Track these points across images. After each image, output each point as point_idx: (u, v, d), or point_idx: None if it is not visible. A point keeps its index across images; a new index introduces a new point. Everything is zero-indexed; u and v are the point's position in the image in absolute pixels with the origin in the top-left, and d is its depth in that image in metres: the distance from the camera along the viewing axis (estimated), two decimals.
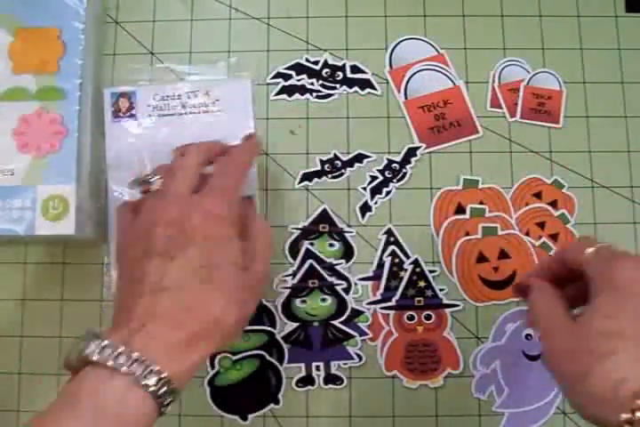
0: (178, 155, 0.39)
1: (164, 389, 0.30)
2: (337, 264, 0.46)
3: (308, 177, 0.47)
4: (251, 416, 0.45)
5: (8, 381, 0.45)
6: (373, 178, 0.47)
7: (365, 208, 0.47)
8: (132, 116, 0.46)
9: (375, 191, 0.47)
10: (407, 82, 0.49)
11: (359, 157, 0.48)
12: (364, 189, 0.47)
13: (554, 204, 0.47)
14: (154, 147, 0.45)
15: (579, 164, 0.48)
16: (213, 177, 0.37)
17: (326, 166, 0.47)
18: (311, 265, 0.46)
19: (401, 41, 0.49)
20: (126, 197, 0.45)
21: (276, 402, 0.45)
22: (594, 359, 0.29)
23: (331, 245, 0.46)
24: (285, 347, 0.45)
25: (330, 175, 0.47)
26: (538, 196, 0.48)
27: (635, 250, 0.47)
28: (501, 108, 0.49)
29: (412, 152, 0.48)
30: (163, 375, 0.29)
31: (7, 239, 0.44)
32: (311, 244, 0.46)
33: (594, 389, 0.29)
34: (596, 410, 0.29)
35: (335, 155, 0.48)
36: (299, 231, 0.46)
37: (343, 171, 0.47)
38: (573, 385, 0.30)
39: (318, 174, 0.47)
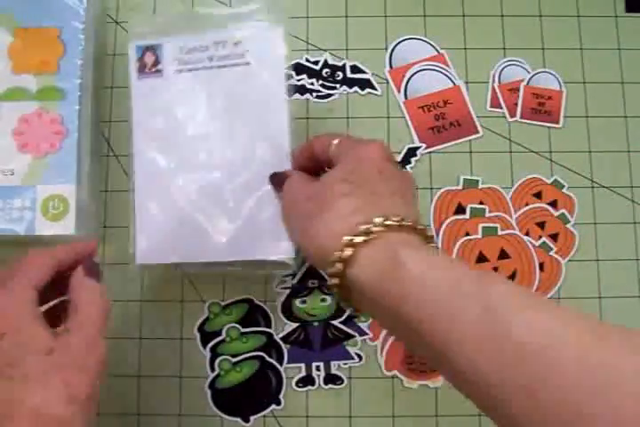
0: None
1: None
2: None
3: None
4: (252, 418, 0.45)
5: None
6: None
7: None
8: (158, 71, 0.42)
9: None
10: (407, 82, 0.49)
11: None
12: None
13: (554, 204, 0.47)
14: (183, 105, 0.42)
15: (579, 164, 0.48)
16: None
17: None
18: (311, 265, 0.46)
19: (401, 41, 0.49)
20: (152, 159, 0.42)
21: (278, 403, 0.45)
22: (332, 199, 0.32)
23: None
24: (284, 347, 0.45)
25: None
26: (538, 196, 0.48)
27: (635, 250, 0.47)
28: (501, 108, 0.49)
29: (411, 152, 0.48)
30: None
31: (7, 239, 0.44)
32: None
33: (322, 223, 0.32)
34: (323, 242, 0.31)
35: None
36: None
37: None
38: (308, 224, 0.33)
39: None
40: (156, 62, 0.42)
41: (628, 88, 0.49)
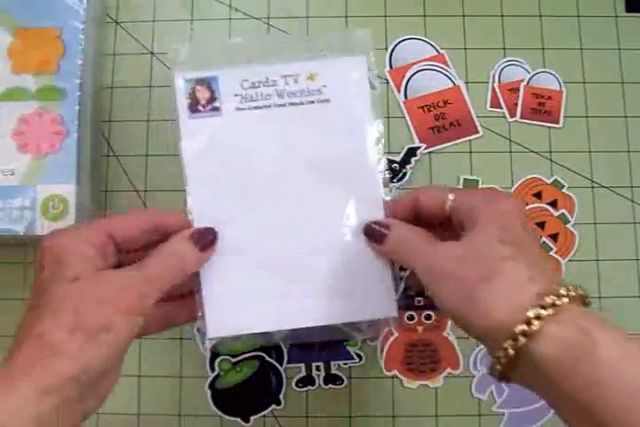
0: None
1: None
2: None
3: None
4: (252, 418, 0.45)
5: None
6: None
7: None
8: (216, 109, 0.36)
9: None
10: (407, 82, 0.49)
11: None
12: None
13: (554, 204, 0.47)
14: (247, 150, 0.36)
15: (579, 164, 0.48)
16: None
17: None
18: None
19: (401, 41, 0.49)
20: (214, 212, 0.35)
21: (278, 403, 0.45)
22: (496, 263, 0.29)
23: None
24: (284, 347, 0.45)
25: None
26: (538, 196, 0.48)
27: (635, 250, 0.47)
28: (501, 108, 0.49)
29: (411, 152, 0.48)
30: None
31: (7, 239, 0.44)
32: None
33: (495, 292, 0.28)
34: (499, 313, 0.28)
35: None
36: None
37: None
38: (469, 290, 0.29)
39: None
40: (212, 98, 0.36)
41: (628, 88, 0.49)
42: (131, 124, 0.48)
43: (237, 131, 0.36)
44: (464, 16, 0.50)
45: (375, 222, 0.35)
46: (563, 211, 0.47)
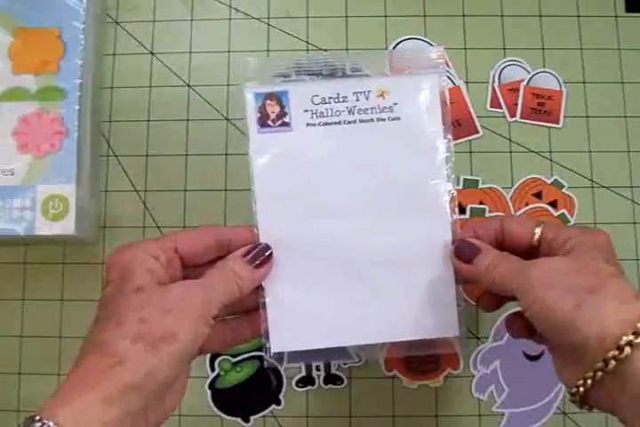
0: None
1: None
2: None
3: None
4: (252, 418, 0.45)
5: (8, 381, 0.45)
6: None
7: None
8: (285, 124, 0.36)
9: None
10: None
11: None
12: None
13: (554, 204, 0.47)
14: (317, 168, 0.36)
15: (579, 164, 0.48)
16: None
17: None
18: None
19: (401, 41, 0.49)
20: (274, 233, 0.35)
21: (278, 403, 0.45)
22: (602, 278, 0.30)
23: None
24: None
25: None
26: (538, 196, 0.48)
27: (635, 250, 0.47)
28: (501, 108, 0.49)
29: None
30: None
31: (7, 239, 0.44)
32: None
33: (604, 302, 0.29)
34: (607, 324, 0.28)
35: None
36: None
37: None
38: (578, 298, 0.29)
39: None
40: (282, 113, 0.36)
41: (628, 88, 0.49)
42: (131, 124, 0.48)
43: (306, 146, 0.36)
44: (464, 16, 0.50)
45: (467, 242, 0.35)
46: (563, 211, 0.47)
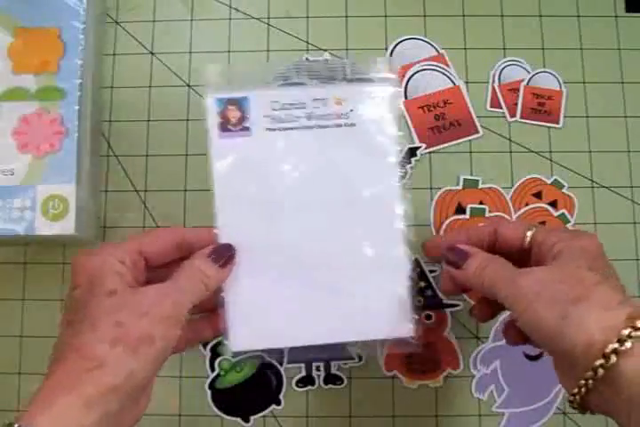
0: None
1: None
2: None
3: None
4: (252, 418, 0.45)
5: (8, 381, 0.45)
6: None
7: None
8: (246, 129, 0.37)
9: None
10: (407, 82, 0.49)
11: None
12: None
13: (554, 204, 0.47)
14: (275, 171, 0.37)
15: (579, 164, 0.48)
16: None
17: None
18: None
19: (401, 41, 0.49)
20: (240, 229, 0.36)
21: (278, 403, 0.45)
22: (586, 286, 0.30)
23: None
24: (285, 347, 0.45)
25: None
26: (538, 196, 0.48)
27: (635, 250, 0.47)
28: (501, 108, 0.49)
29: (412, 152, 0.48)
30: None
31: (7, 239, 0.44)
32: None
33: (588, 311, 0.29)
34: (589, 333, 0.29)
35: None
36: None
37: None
38: (564, 309, 0.30)
39: None
40: (243, 118, 0.37)
41: (628, 88, 0.49)
42: (131, 124, 0.48)
43: (266, 151, 0.37)
44: (464, 16, 0.50)
45: (453, 248, 0.36)
46: (563, 211, 0.47)
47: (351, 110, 0.37)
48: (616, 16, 0.50)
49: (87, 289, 0.32)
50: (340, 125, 0.37)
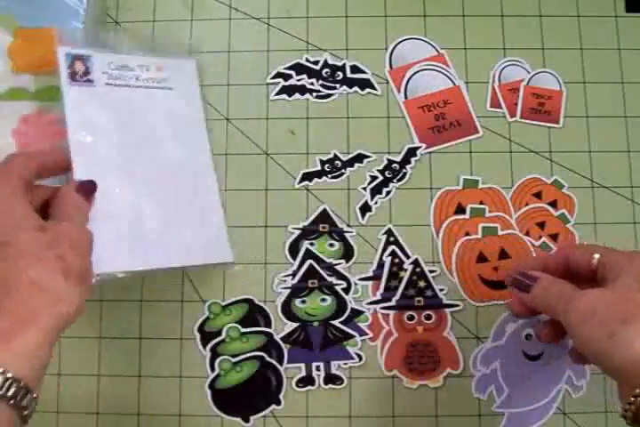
0: None
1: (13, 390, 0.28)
2: (337, 264, 0.46)
3: (307, 177, 0.47)
4: (252, 418, 0.45)
5: None
6: (373, 178, 0.47)
7: (365, 208, 0.47)
8: (90, 81, 0.44)
9: (375, 191, 0.47)
10: (407, 82, 0.49)
11: (359, 157, 0.48)
12: (364, 189, 0.47)
13: (554, 204, 0.47)
14: (112, 116, 0.44)
15: (579, 164, 0.48)
16: None
17: (326, 166, 0.47)
18: (311, 265, 0.46)
19: (401, 41, 0.49)
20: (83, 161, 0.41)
21: (278, 403, 0.45)
22: (635, 308, 0.32)
23: (331, 245, 0.46)
24: (284, 347, 0.45)
25: (330, 175, 0.47)
26: (538, 196, 0.48)
27: (635, 250, 0.47)
28: (501, 108, 0.49)
29: (412, 152, 0.48)
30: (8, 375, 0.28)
31: None
32: (311, 244, 0.46)
33: (635, 331, 0.31)
34: (635, 351, 0.30)
35: (335, 155, 0.48)
36: (299, 231, 0.46)
37: (343, 171, 0.47)
38: (615, 329, 0.31)
39: (318, 174, 0.47)
40: (87, 72, 0.44)
41: (628, 88, 0.49)
42: None
43: (105, 100, 0.44)
44: (464, 16, 0.50)
45: (523, 274, 0.39)
46: (563, 211, 0.47)
47: (169, 76, 0.46)
48: (616, 16, 0.50)
49: (9, 221, 0.32)
50: (161, 88, 0.46)
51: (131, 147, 0.43)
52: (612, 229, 0.47)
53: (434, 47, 0.49)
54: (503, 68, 0.49)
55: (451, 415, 0.45)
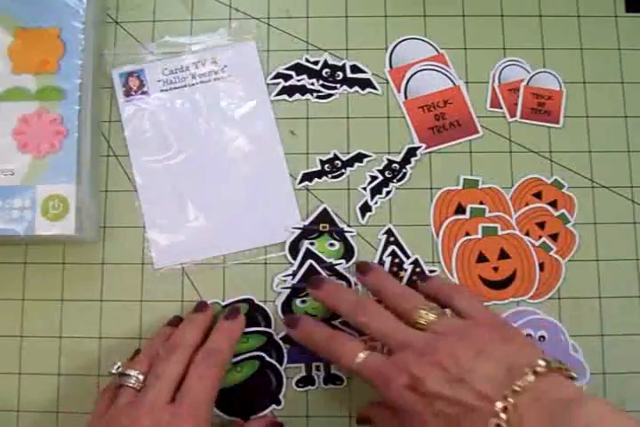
0: (162, 357, 0.40)
1: None
2: (337, 264, 0.46)
3: (308, 177, 0.47)
4: (252, 418, 0.44)
5: (8, 381, 0.45)
6: (373, 178, 0.47)
7: (365, 208, 0.47)
8: (145, 93, 0.47)
9: (375, 191, 0.47)
10: (407, 82, 0.49)
11: (359, 157, 0.48)
12: (364, 189, 0.47)
13: (554, 204, 0.47)
14: (171, 120, 0.47)
15: (579, 164, 0.48)
16: (189, 382, 0.38)
17: (326, 166, 0.47)
18: (311, 265, 0.46)
19: (401, 41, 0.49)
20: (148, 175, 0.47)
21: (278, 403, 0.45)
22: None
23: (331, 244, 0.46)
24: (284, 347, 0.45)
25: (330, 175, 0.47)
26: (538, 196, 0.48)
27: (635, 250, 0.47)
28: (501, 108, 0.49)
29: (412, 152, 0.48)
30: None
31: (7, 239, 0.44)
32: (311, 243, 0.46)
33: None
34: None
35: (335, 155, 0.48)
36: (299, 231, 0.46)
37: (343, 171, 0.47)
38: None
39: (318, 174, 0.47)
40: (142, 85, 0.47)
41: (628, 88, 0.49)
42: None
43: (163, 105, 0.47)
44: (464, 16, 0.50)
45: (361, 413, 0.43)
46: (563, 211, 0.47)
47: (225, 66, 0.48)
48: (616, 16, 0.50)
49: None
50: (218, 79, 0.48)
51: (194, 146, 0.47)
52: (612, 229, 0.47)
53: (434, 47, 0.49)
54: (503, 68, 0.49)
55: None
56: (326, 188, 0.47)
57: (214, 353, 0.40)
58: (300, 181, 0.47)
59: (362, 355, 0.37)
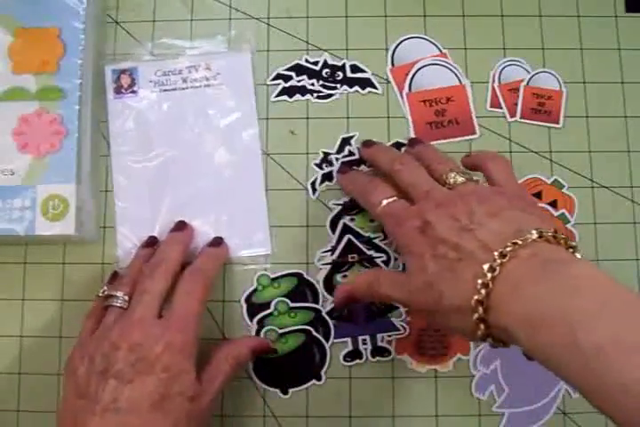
0: (145, 275, 0.40)
1: None
2: (375, 238, 0.46)
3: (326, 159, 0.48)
4: (291, 391, 0.45)
5: (8, 381, 0.45)
6: None
7: None
8: (134, 92, 0.47)
9: None
10: (413, 75, 0.48)
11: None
12: None
13: (554, 204, 0.47)
14: (157, 121, 0.47)
15: (579, 164, 0.48)
16: (176, 298, 0.39)
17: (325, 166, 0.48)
18: (349, 240, 0.46)
19: (402, 41, 0.49)
20: (127, 174, 0.47)
21: (319, 378, 0.45)
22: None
23: (372, 220, 0.46)
24: (332, 323, 0.45)
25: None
26: (538, 196, 0.48)
27: (635, 250, 0.47)
28: (501, 108, 0.49)
29: (403, 145, 0.47)
30: None
31: (7, 239, 0.44)
32: (352, 219, 0.46)
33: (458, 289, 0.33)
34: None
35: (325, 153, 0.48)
36: (339, 208, 0.47)
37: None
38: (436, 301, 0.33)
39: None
40: (132, 84, 0.47)
41: (628, 88, 0.49)
42: None
43: (150, 107, 0.47)
44: (464, 16, 0.50)
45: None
46: (563, 211, 0.47)
47: (218, 74, 0.47)
48: (616, 16, 0.50)
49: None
50: (209, 85, 0.47)
51: (175, 151, 0.46)
52: (612, 229, 0.47)
53: (436, 46, 0.49)
54: (503, 68, 0.49)
55: (451, 415, 0.45)
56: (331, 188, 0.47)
57: (200, 271, 0.41)
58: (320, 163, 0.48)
59: (388, 199, 0.39)
